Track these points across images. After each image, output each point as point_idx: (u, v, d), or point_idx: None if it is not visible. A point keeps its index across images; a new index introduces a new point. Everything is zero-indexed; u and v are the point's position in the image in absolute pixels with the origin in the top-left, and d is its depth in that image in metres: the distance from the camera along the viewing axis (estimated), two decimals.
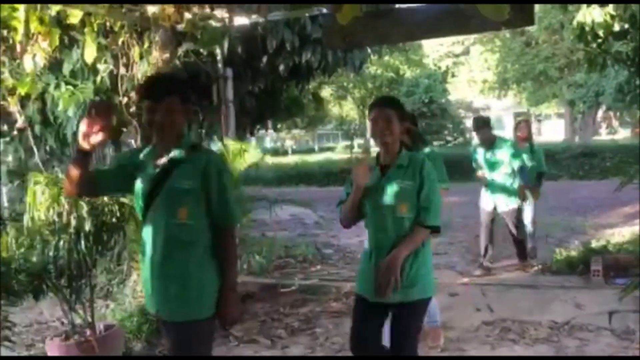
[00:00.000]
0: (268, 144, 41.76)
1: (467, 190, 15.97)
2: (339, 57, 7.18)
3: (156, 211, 2.59)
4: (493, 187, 6.82)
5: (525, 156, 6.99)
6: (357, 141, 35.68)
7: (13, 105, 4.30)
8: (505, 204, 6.82)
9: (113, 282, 5.91)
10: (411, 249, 2.96)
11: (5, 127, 7.19)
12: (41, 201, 4.12)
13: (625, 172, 3.83)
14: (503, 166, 6.68)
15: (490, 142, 6.75)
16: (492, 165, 6.76)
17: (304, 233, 10.13)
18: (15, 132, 6.33)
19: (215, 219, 2.59)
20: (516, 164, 6.67)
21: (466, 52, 33.23)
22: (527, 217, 7.20)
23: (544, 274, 6.76)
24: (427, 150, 4.44)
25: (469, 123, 28.68)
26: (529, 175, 7.07)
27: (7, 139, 7.19)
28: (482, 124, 6.84)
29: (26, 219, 4.09)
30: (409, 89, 26.49)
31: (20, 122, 4.84)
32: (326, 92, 22.61)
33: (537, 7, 4.81)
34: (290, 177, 21.88)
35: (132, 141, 6.54)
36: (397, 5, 5.08)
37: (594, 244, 7.23)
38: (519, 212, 6.92)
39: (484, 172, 6.89)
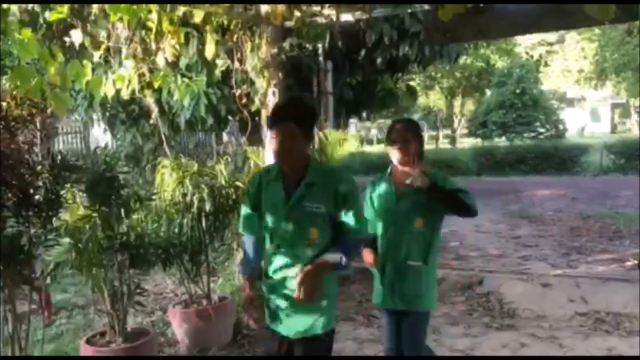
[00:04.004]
0: (353, 132, 42.03)
1: (560, 183, 15.65)
2: (435, 50, 7.35)
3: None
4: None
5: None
6: (444, 131, 35.29)
7: (149, 97, 4.82)
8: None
9: (217, 260, 6.44)
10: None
11: (124, 116, 7.92)
12: (168, 183, 4.62)
13: None
14: None
15: None
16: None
17: None
18: (143, 121, 6.89)
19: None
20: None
21: (561, 40, 31.99)
22: None
23: None
24: None
25: (562, 115, 27.77)
26: None
27: (126, 126, 7.90)
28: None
29: (155, 199, 4.59)
30: (499, 79, 25.93)
31: (154, 112, 5.36)
32: (414, 82, 22.56)
33: None
34: (377, 166, 22.04)
35: (232, 133, 7.02)
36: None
37: None
38: None
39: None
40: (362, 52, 7.19)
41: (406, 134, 3.24)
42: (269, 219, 2.81)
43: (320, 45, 6.63)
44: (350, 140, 6.33)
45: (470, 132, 28.28)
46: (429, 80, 27.56)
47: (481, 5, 4.83)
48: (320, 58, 6.84)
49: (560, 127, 26.24)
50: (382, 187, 3.38)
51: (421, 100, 31.78)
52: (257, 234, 2.92)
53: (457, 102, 31.06)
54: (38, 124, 3.43)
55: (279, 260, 2.81)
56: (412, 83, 18.21)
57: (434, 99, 32.33)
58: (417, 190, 3.17)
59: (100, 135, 10.35)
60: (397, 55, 7.19)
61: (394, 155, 3.26)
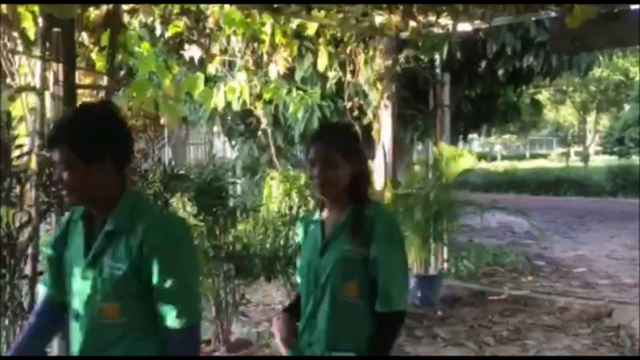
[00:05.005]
0: (476, 147, 40.87)
1: None
2: (563, 60, 6.86)
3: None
4: None
5: None
6: (575, 149, 33.25)
7: (259, 109, 4.88)
8: None
9: None
10: None
11: (242, 128, 8.14)
12: (276, 195, 4.63)
13: None
14: None
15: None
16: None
17: (513, 242, 9.78)
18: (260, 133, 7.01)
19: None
20: None
21: None
22: None
23: None
24: None
25: None
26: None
27: (244, 138, 8.13)
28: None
29: (263, 210, 4.62)
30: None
31: (264, 124, 5.44)
32: (542, 95, 21.38)
33: None
34: (499, 183, 21.12)
35: None
36: (632, 6, 4.74)
37: None
38: None
39: None
40: (483, 64, 6.86)
41: (329, 152, 1.97)
42: (67, 280, 1.82)
43: (437, 57, 6.42)
44: (466, 156, 6.01)
45: (604, 150, 26.39)
46: (559, 94, 26.07)
47: (615, 10, 4.42)
48: (437, 70, 6.61)
49: None
50: (309, 229, 2.14)
51: (550, 115, 30.19)
52: (51, 297, 1.90)
53: (591, 118, 29.11)
54: (151, 134, 3.55)
55: (74, 345, 1.79)
56: (539, 97, 17.27)
57: (564, 114, 30.53)
58: (351, 234, 1.95)
59: (221, 147, 10.78)
60: (521, 67, 6.79)
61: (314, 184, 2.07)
